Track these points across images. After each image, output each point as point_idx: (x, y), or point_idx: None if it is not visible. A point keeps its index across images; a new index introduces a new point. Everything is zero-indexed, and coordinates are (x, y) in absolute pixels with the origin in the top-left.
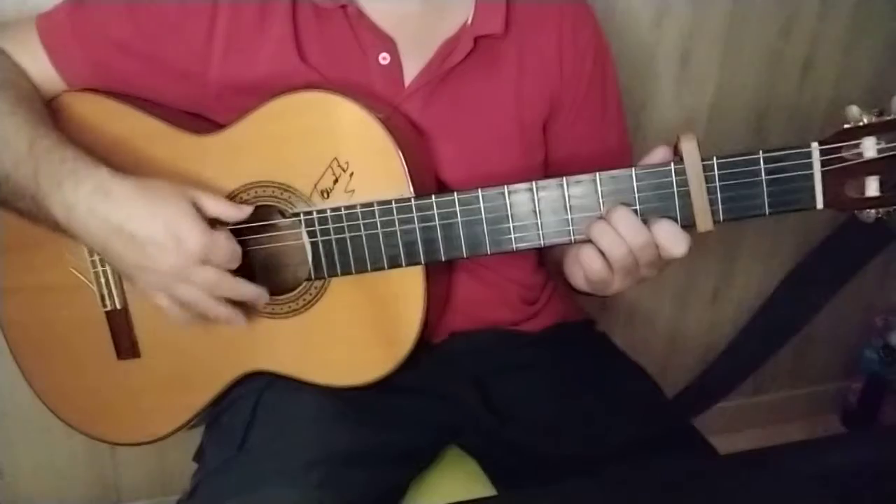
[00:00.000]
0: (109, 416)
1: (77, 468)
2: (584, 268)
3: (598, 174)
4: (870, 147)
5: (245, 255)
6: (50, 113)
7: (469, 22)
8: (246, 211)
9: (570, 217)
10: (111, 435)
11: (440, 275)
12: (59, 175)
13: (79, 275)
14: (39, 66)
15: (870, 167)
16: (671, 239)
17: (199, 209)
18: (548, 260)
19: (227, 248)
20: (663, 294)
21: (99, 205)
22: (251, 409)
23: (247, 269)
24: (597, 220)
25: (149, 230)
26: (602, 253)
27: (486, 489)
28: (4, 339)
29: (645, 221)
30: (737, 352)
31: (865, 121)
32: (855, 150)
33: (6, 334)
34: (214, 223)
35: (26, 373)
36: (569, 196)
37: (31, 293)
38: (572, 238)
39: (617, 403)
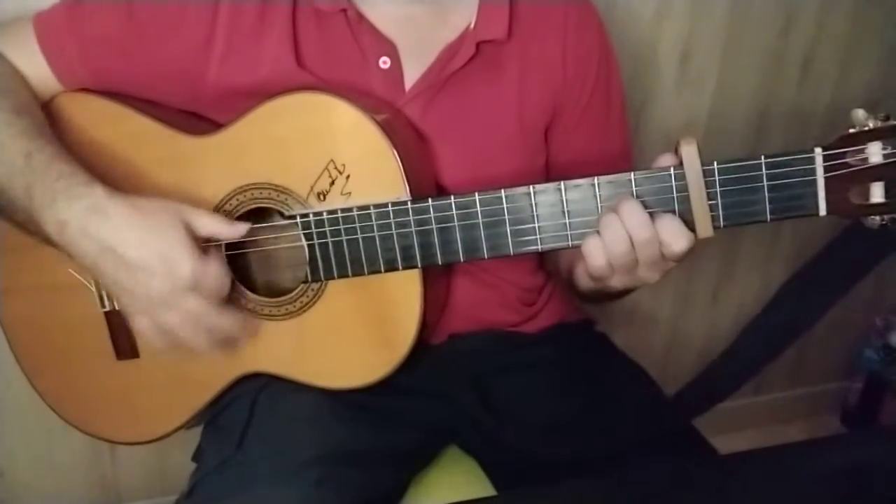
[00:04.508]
0: (109, 416)
1: (77, 468)
2: (586, 258)
3: (596, 178)
4: (875, 152)
5: (243, 257)
6: (48, 119)
7: (471, 26)
8: (241, 230)
9: (567, 222)
10: (110, 434)
11: (438, 277)
12: (53, 192)
13: (77, 276)
14: (35, 67)
15: (875, 173)
16: (673, 234)
17: (192, 230)
18: (553, 264)
19: (217, 278)
20: (663, 294)
21: (92, 225)
22: (249, 408)
23: (244, 272)
24: (607, 212)
25: (140, 255)
26: (604, 244)
27: (485, 489)
28: (5, 338)
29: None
30: (738, 354)
31: (871, 125)
32: (860, 156)
33: (7, 334)
34: (208, 244)
35: (27, 371)
36: (567, 200)
37: (31, 293)
38: (570, 243)
39: (616, 404)
